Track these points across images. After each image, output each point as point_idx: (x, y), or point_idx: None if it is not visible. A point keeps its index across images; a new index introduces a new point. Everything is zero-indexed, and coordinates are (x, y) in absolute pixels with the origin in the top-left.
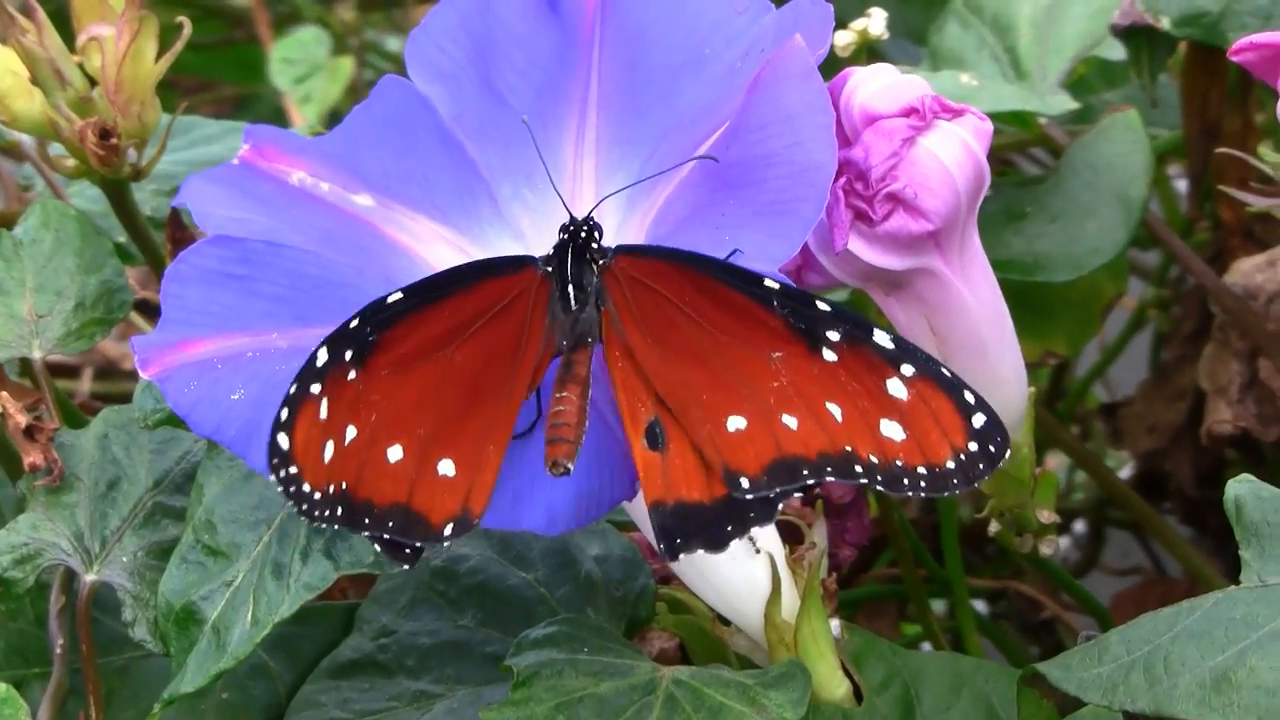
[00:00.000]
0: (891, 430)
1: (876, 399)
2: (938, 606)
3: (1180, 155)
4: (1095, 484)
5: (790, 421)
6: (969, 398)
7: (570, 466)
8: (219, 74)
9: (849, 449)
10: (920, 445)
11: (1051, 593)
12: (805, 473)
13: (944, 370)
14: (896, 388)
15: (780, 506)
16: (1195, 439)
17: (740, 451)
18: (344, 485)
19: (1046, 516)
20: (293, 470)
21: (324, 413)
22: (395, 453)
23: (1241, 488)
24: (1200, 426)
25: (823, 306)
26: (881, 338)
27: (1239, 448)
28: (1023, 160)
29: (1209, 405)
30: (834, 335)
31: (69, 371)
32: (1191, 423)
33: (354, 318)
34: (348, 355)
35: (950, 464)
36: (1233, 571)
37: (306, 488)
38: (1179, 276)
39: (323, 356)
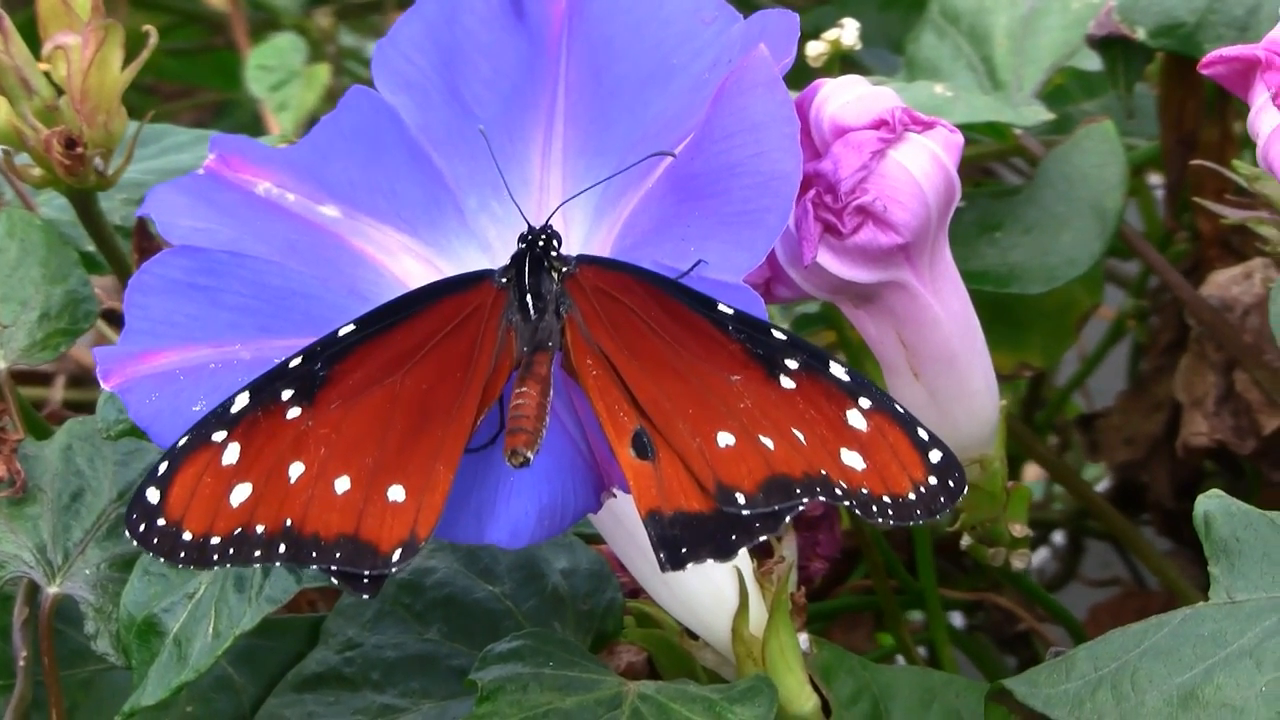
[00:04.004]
0: (852, 460)
1: (835, 428)
2: (915, 617)
3: (1159, 165)
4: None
5: (768, 442)
6: (923, 434)
7: (530, 456)
8: (199, 80)
9: (824, 472)
10: (882, 476)
11: (1028, 605)
12: (798, 491)
13: (898, 406)
14: (856, 419)
15: (787, 519)
16: (1173, 451)
17: (733, 467)
18: (288, 522)
19: (1019, 531)
20: (160, 523)
21: (230, 458)
22: (343, 484)
23: (1211, 503)
24: (1178, 438)
25: (779, 335)
26: (838, 370)
27: (1216, 460)
28: (1003, 169)
29: (1185, 417)
30: (791, 364)
31: (42, 379)
32: (1169, 434)
33: (294, 356)
34: (285, 395)
35: (911, 495)
36: (1209, 584)
37: (187, 536)
38: (1158, 287)
39: (241, 402)
